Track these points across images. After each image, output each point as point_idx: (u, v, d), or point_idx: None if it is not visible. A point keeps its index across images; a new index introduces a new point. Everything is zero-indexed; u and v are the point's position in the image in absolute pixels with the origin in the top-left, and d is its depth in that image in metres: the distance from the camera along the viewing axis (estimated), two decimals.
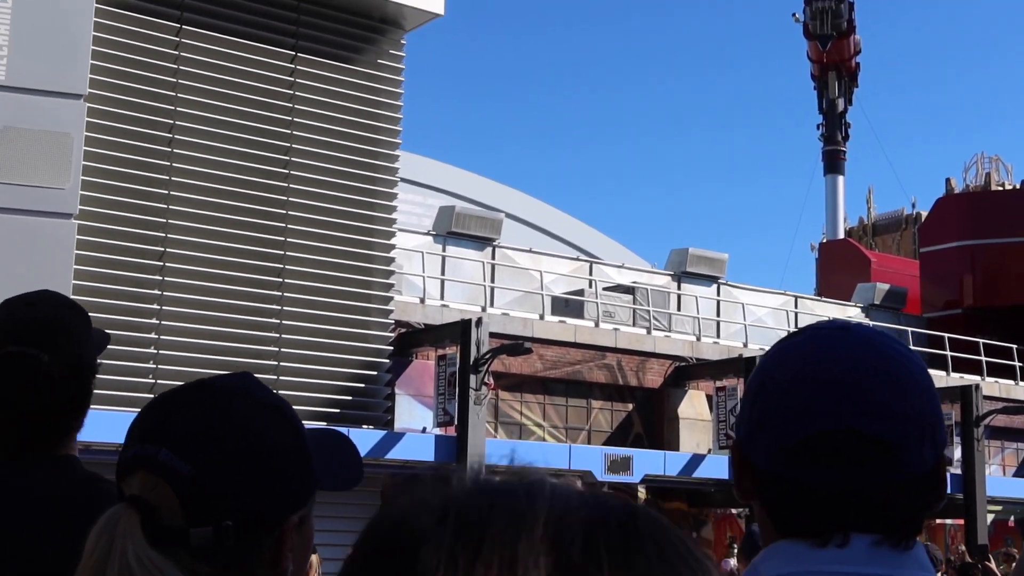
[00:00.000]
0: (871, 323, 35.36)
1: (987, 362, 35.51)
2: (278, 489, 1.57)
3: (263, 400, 1.68)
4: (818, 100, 60.19)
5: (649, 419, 29.49)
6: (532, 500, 0.83)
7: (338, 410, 22.88)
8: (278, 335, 22.42)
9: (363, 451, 21.77)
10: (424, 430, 24.44)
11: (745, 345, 30.27)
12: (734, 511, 28.78)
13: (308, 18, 23.38)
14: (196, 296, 21.65)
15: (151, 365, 21.27)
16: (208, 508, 1.52)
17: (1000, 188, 54.52)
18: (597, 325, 28.63)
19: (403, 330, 25.10)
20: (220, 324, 21.81)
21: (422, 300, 26.05)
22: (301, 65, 23.19)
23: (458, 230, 28.98)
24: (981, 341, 35.83)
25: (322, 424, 21.60)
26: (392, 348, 24.12)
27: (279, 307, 22.48)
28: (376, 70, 24.12)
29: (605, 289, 30.63)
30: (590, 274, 31.59)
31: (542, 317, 27.84)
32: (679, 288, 32.67)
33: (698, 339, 30.23)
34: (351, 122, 23.64)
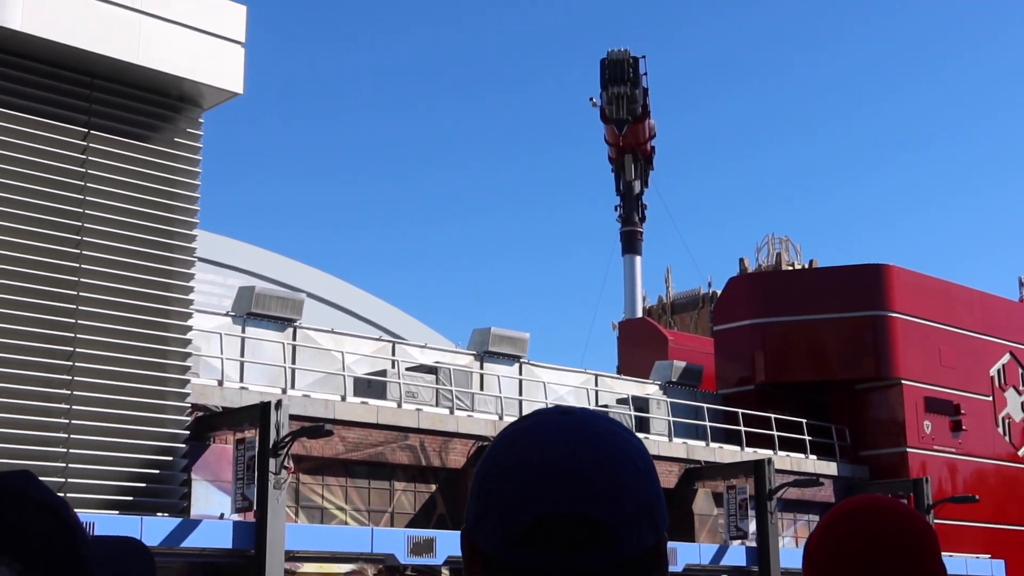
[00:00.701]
0: (669, 400, 36.19)
1: (779, 436, 36.64)
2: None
3: (37, 499, 1.61)
4: (615, 182, 61.78)
5: (453, 500, 29.37)
6: None
7: (132, 497, 22.10)
8: (67, 421, 21.57)
9: (158, 539, 21.07)
10: (222, 516, 23.79)
11: None
12: None
13: (102, 95, 22.86)
14: None
15: None
16: None
17: (790, 267, 56.77)
18: (400, 406, 28.49)
19: (200, 413, 24.49)
20: (4, 410, 20.86)
21: (220, 383, 25.49)
22: (94, 143, 22.62)
23: (258, 311, 28.54)
24: (773, 416, 36.99)
25: (114, 513, 20.83)
26: (188, 432, 23.49)
27: (68, 391, 21.67)
28: (173, 148, 23.71)
29: (408, 369, 30.54)
30: (393, 354, 31.47)
31: (344, 398, 27.56)
32: (482, 367, 32.81)
33: (501, 418, 30.36)
34: (147, 200, 23.13)
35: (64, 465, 21.25)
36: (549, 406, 1.58)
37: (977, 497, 35.48)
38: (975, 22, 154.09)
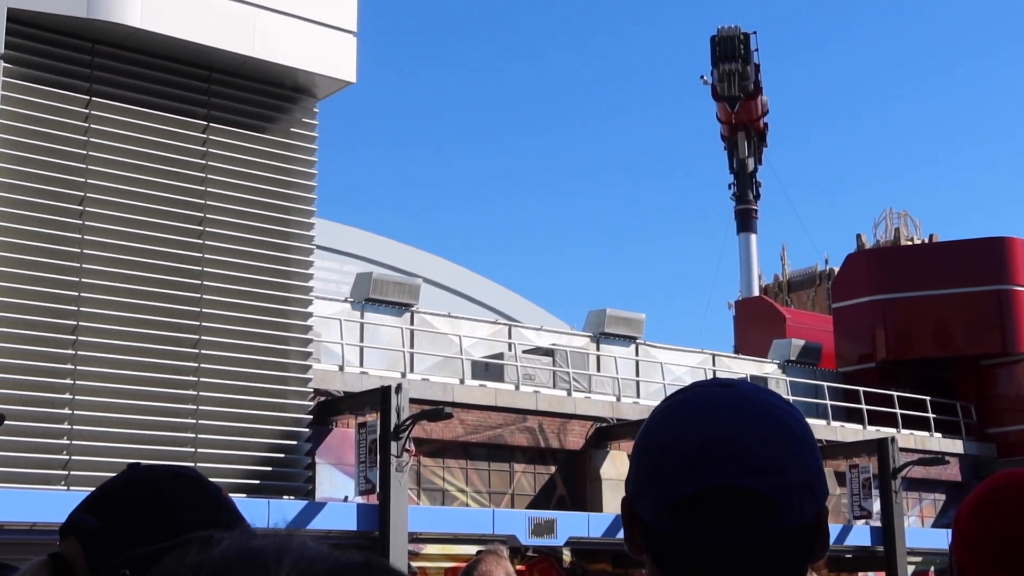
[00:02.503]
0: (788, 379, 35.80)
1: (902, 414, 36.03)
2: (176, 533, 1.64)
3: (190, 476, 1.76)
4: (728, 160, 61.20)
5: (572, 481, 29.46)
6: (279, 559, 0.96)
7: (258, 481, 22.57)
8: (195, 407, 22.10)
9: (284, 522, 21.52)
10: (346, 499, 24.17)
11: None
12: None
13: (220, 88, 23.31)
14: (110, 370, 21.30)
15: (65, 441, 20.84)
16: (107, 557, 1.62)
17: (909, 243, 55.69)
18: (517, 388, 28.63)
19: (322, 398, 24.89)
20: (135, 397, 21.46)
21: (341, 368, 25.88)
22: (213, 135, 23.09)
23: (376, 296, 28.89)
24: (895, 394, 36.38)
25: (242, 496, 21.30)
26: (311, 417, 23.89)
27: (195, 379, 22.19)
28: (289, 138, 24.08)
29: (524, 352, 30.66)
30: (509, 337, 31.62)
31: (462, 382, 27.78)
32: (598, 349, 32.80)
33: (618, 399, 30.33)
34: (265, 191, 23.55)
35: (193, 450, 21.79)
36: (710, 379, 1.59)
37: None
38: None
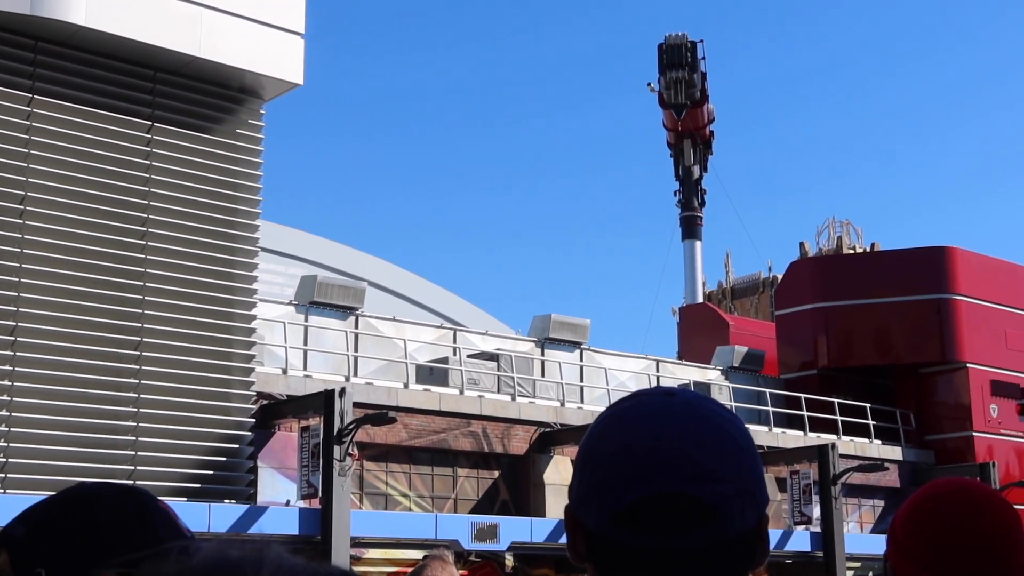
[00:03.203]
0: (731, 385, 36.06)
1: (843, 421, 36.38)
2: (101, 551, 1.68)
3: (131, 494, 1.80)
4: (674, 167, 61.50)
5: (515, 486, 29.48)
6: (257, 569, 0.97)
7: (199, 485, 22.40)
8: (136, 409, 21.89)
9: (225, 526, 21.36)
10: (288, 503, 24.05)
11: None
12: None
13: (165, 88, 23.12)
14: (49, 371, 21.04)
15: (2, 444, 20.55)
16: (31, 568, 1.66)
17: (851, 251, 56.28)
18: (462, 393, 28.61)
19: (265, 402, 24.74)
20: (74, 399, 21.22)
21: (284, 371, 25.75)
22: (158, 135, 22.89)
23: (320, 299, 28.76)
24: (836, 401, 36.73)
25: (183, 500, 21.13)
26: (254, 420, 23.75)
27: (136, 381, 21.99)
28: (235, 140, 23.93)
29: (469, 356, 30.65)
30: (454, 342, 31.60)
31: (406, 386, 27.73)
32: (543, 354, 32.87)
33: (562, 404, 30.40)
34: (210, 192, 23.38)
35: (133, 453, 21.58)
36: (653, 388, 1.60)
37: None
38: None
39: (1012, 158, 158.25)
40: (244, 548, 1.00)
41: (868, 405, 37.57)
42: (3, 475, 20.40)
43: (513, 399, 29.52)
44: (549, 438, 29.52)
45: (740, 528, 1.47)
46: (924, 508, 2.42)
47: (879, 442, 37.10)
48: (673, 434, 1.47)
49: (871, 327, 39.89)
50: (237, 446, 23.25)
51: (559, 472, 29.35)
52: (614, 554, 1.47)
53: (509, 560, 27.64)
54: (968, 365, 39.00)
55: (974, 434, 38.41)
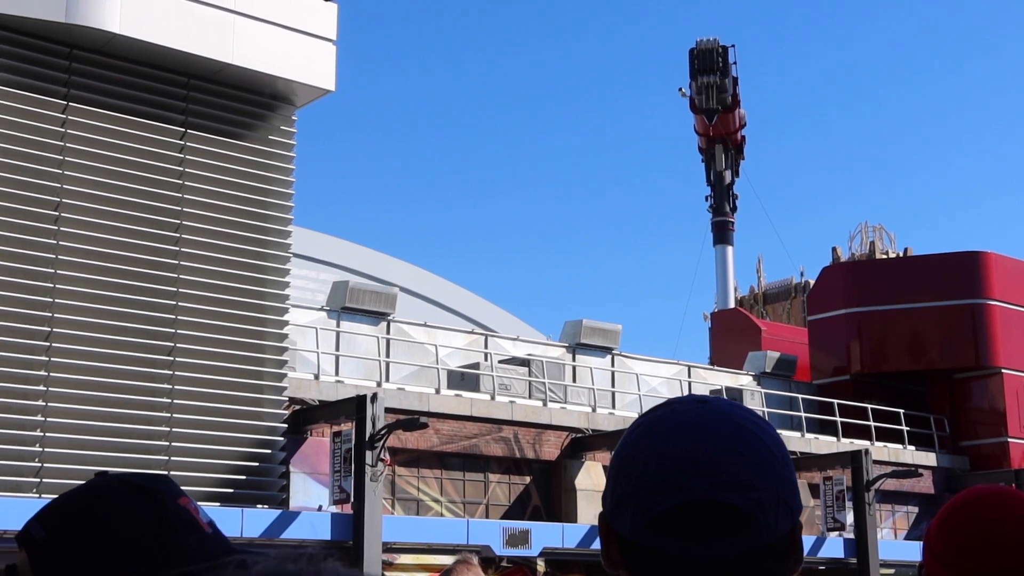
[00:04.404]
0: (763, 391, 35.91)
1: (876, 427, 36.18)
2: (119, 554, 1.66)
3: (134, 483, 1.77)
4: (706, 172, 61.38)
5: (547, 491, 29.46)
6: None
7: (231, 490, 22.49)
8: (169, 415, 22.01)
9: (257, 531, 21.44)
10: (320, 508, 24.11)
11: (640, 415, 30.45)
12: None
13: (198, 95, 23.25)
14: (84, 376, 21.20)
15: (37, 448, 20.72)
16: (53, 569, 1.65)
17: (884, 256, 55.96)
18: (493, 398, 28.61)
19: (297, 407, 24.82)
20: (109, 404, 21.36)
21: (316, 376, 25.82)
22: (191, 142, 23.02)
23: (352, 305, 28.84)
24: (869, 406, 36.53)
25: (215, 505, 21.22)
26: (286, 426, 23.82)
27: (170, 386, 22.10)
28: (267, 146, 24.03)
29: (500, 362, 30.66)
30: (485, 347, 31.62)
31: (438, 391, 27.75)
32: (574, 359, 32.83)
33: (594, 410, 30.35)
34: (242, 198, 23.49)
35: (166, 458, 21.69)
36: (686, 396, 1.61)
37: None
38: None
39: None
40: (300, 562, 1.00)
41: (901, 411, 37.35)
42: (39, 479, 20.55)
43: (544, 404, 29.50)
44: (580, 444, 29.49)
45: (774, 536, 1.47)
46: (959, 515, 2.41)
47: (913, 448, 36.87)
48: (707, 442, 1.48)
49: (904, 332, 39.67)
50: (269, 451, 23.32)
51: (591, 478, 29.31)
52: (649, 562, 1.47)
53: (541, 566, 27.61)
54: (1003, 371, 38.73)
55: (1009, 440, 38.12)
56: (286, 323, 23.94)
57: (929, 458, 37.10)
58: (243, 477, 22.85)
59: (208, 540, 1.71)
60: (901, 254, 56.17)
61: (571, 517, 28.29)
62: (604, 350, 33.63)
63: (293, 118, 24.58)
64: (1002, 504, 2.40)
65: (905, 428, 37.00)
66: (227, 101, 23.57)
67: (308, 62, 23.91)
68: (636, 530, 1.47)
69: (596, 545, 26.52)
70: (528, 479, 29.44)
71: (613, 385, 33.29)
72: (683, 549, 1.45)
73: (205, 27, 22.64)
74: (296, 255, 25.68)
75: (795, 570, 1.53)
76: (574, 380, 32.25)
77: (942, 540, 2.42)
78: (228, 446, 22.57)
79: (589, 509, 28.68)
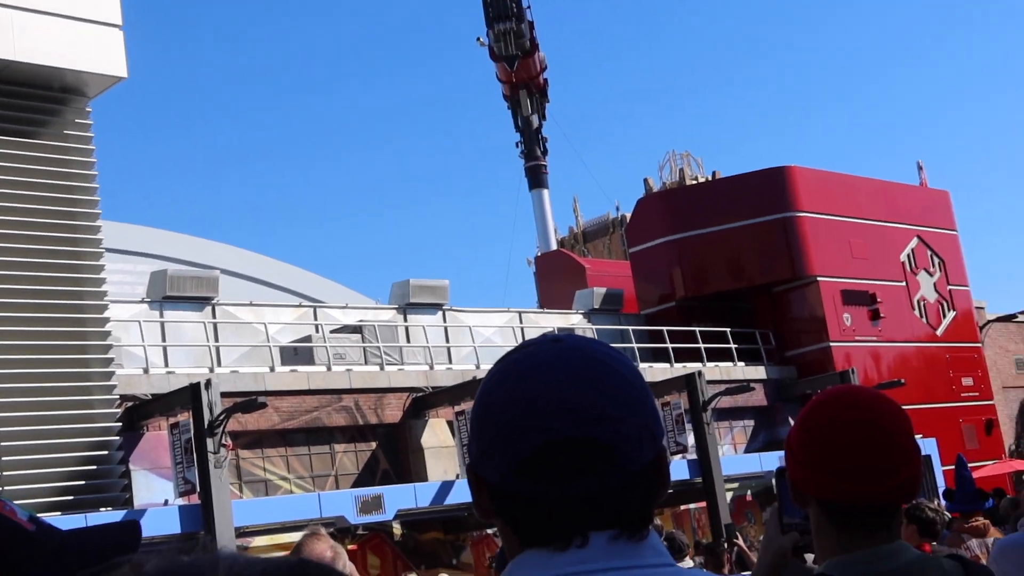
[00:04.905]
0: (594, 327, 36.52)
1: (706, 348, 37.15)
2: None
3: None
4: (513, 118, 61.68)
5: (394, 454, 29.48)
6: (214, 567, 0.98)
7: (71, 496, 21.91)
8: None
9: None
10: (166, 503, 23.68)
11: (478, 367, 30.67)
12: (490, 531, 29.10)
13: None
14: None
15: None
16: None
17: (694, 181, 57.27)
18: (329, 369, 28.44)
19: (130, 403, 24.29)
20: None
21: (146, 370, 25.27)
22: None
23: (173, 293, 28.24)
24: (697, 329, 37.47)
25: (57, 514, 20.65)
26: (120, 424, 23.30)
27: None
28: (64, 141, 23.28)
29: (332, 332, 30.46)
30: (315, 319, 31.35)
31: (272, 369, 27.46)
32: (405, 320, 32.82)
33: (431, 368, 30.43)
34: (45, 198, 22.72)
35: None
36: (539, 336, 1.62)
37: (903, 381, 36.32)
38: None
39: (837, 71, 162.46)
40: (196, 552, 1.01)
41: (728, 330, 38.42)
42: None
43: (382, 368, 29.46)
44: (422, 402, 29.57)
45: (640, 464, 1.50)
46: (816, 417, 2.51)
47: (743, 364, 38.01)
48: (564, 379, 1.49)
49: (722, 253, 40.72)
50: (106, 452, 22.80)
51: (436, 435, 29.44)
52: (520, 506, 1.49)
53: (397, 528, 27.69)
54: (818, 279, 40.12)
55: (831, 344, 39.58)
56: (107, 320, 23.35)
57: (759, 371, 38.31)
58: (82, 482, 22.28)
59: (35, 539, 1.65)
60: (710, 178, 57.54)
61: (421, 476, 28.40)
62: (434, 307, 33.70)
63: (87, 110, 23.84)
64: (856, 402, 2.52)
65: (733, 346, 38.10)
66: (15, 100, 22.72)
67: (96, 51, 23.19)
68: (504, 476, 1.49)
69: (449, 500, 26.69)
70: (374, 444, 29.41)
71: (447, 341, 33.40)
72: (551, 489, 1.46)
73: None
74: (110, 250, 24.99)
75: (662, 496, 1.57)
76: (408, 340, 32.26)
77: (802, 444, 2.51)
78: (62, 452, 21.96)
79: (438, 466, 28.83)
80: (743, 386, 33.67)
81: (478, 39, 58.30)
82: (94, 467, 22.55)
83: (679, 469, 31.69)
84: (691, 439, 31.83)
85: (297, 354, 29.13)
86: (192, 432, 22.86)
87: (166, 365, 26.69)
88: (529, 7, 57.53)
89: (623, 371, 1.54)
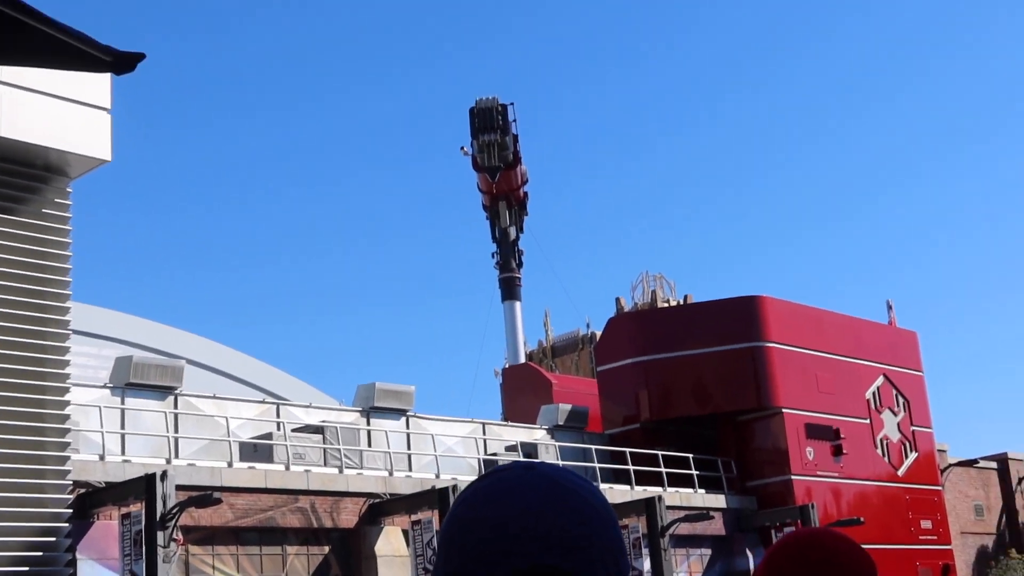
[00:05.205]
0: (557, 444, 36.35)
1: (667, 473, 36.99)
2: None
3: None
4: (491, 229, 62.15)
5: (347, 560, 29.06)
6: None
7: None
8: None
9: None
10: None
11: (437, 476, 30.42)
12: None
13: None
14: None
15: None
16: None
17: (666, 304, 57.56)
18: (288, 468, 28.14)
19: (82, 490, 23.90)
20: None
21: (101, 457, 24.94)
22: None
23: (137, 380, 28.00)
24: (660, 453, 37.35)
25: None
26: (71, 511, 22.88)
27: None
28: (41, 219, 23.21)
29: (294, 430, 30.21)
30: (277, 416, 31.11)
31: (230, 464, 27.15)
32: (368, 423, 32.61)
33: (391, 474, 30.16)
34: (16, 275, 22.58)
35: None
36: (511, 463, 1.63)
37: (862, 519, 36.23)
38: (809, 30, 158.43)
39: (813, 205, 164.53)
40: None
41: (691, 455, 38.30)
42: None
43: (341, 471, 29.17)
44: (379, 509, 29.23)
45: None
46: (780, 557, 2.52)
47: (703, 491, 37.84)
48: (533, 506, 1.50)
49: (689, 378, 40.78)
50: (54, 539, 22.34)
51: (390, 543, 29.06)
52: None
53: None
54: (783, 410, 40.17)
55: (793, 477, 39.50)
56: (67, 403, 23.05)
57: (719, 500, 38.13)
58: (26, 569, 21.80)
59: None
60: (681, 301, 57.86)
61: None
62: (398, 412, 33.52)
63: (68, 190, 23.82)
64: (821, 542, 2.53)
65: (695, 472, 37.95)
66: None
67: (82, 132, 23.25)
68: None
69: None
70: (327, 548, 28.99)
71: (409, 447, 33.17)
72: None
73: None
74: (76, 331, 24.79)
75: None
76: (369, 444, 32.01)
77: None
78: (8, 536, 21.51)
79: (390, 575, 28.41)
80: (702, 514, 33.50)
81: (462, 148, 59.01)
82: (40, 553, 22.08)
83: None
84: (647, 564, 31.54)
85: (256, 451, 28.84)
86: (143, 524, 22.50)
87: (123, 453, 26.35)
88: (515, 120, 58.33)
89: (593, 501, 1.54)
